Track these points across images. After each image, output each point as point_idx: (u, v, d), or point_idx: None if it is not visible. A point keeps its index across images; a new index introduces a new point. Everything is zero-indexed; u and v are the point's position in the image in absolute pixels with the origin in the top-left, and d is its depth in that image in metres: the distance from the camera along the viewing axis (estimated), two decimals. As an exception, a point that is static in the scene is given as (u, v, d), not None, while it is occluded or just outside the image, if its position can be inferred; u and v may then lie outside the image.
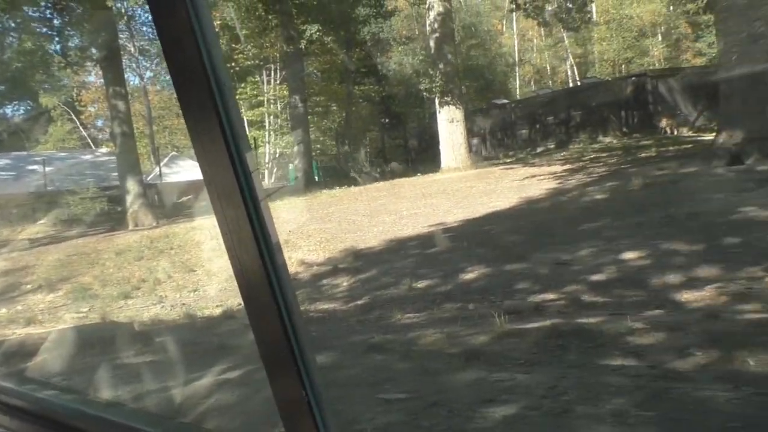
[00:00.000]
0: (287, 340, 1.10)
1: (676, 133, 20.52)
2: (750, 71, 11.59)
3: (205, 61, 1.01)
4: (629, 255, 6.42)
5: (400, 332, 5.22)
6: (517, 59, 38.46)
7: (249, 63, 27.12)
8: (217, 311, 7.59)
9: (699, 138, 17.20)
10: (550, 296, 5.57)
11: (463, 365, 3.87)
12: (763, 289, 4.78)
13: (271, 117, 29.73)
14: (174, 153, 32.18)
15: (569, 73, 38.54)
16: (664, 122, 21.66)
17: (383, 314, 6.11)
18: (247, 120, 29.94)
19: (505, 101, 31.23)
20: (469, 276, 6.95)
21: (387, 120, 31.79)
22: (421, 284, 6.97)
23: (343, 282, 7.96)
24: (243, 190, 1.12)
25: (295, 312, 1.12)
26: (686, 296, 4.83)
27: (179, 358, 5.45)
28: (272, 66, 28.75)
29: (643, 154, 15.67)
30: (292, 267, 9.23)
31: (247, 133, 29.36)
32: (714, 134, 13.42)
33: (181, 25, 1.00)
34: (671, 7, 35.85)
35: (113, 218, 18.90)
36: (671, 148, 16.07)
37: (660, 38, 37.98)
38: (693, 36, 34.20)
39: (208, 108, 1.05)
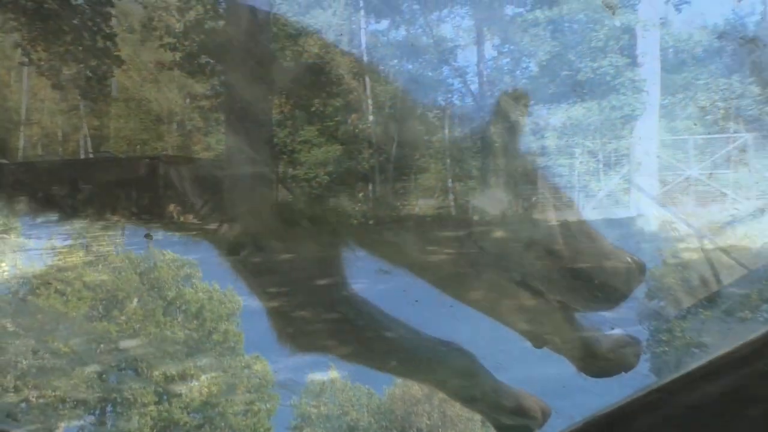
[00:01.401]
0: None
1: (183, 219, 21.59)
2: (250, 172, 13.13)
3: None
4: (128, 343, 6.22)
5: None
6: (24, 117, 35.09)
7: None
8: None
9: (204, 226, 18.41)
10: None
11: None
12: (251, 377, 5.19)
13: None
14: None
15: (82, 143, 37.07)
16: (172, 207, 22.60)
17: None
18: None
19: (5, 161, 27.90)
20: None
21: None
22: None
23: None
24: None
25: None
26: (184, 387, 4.87)
27: None
28: None
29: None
30: None
31: None
32: (217, 224, 14.56)
33: None
34: (188, 100, 38.48)
35: None
36: (178, 233, 16.69)
37: (175, 126, 40.13)
38: (205, 130, 37.27)
39: None
